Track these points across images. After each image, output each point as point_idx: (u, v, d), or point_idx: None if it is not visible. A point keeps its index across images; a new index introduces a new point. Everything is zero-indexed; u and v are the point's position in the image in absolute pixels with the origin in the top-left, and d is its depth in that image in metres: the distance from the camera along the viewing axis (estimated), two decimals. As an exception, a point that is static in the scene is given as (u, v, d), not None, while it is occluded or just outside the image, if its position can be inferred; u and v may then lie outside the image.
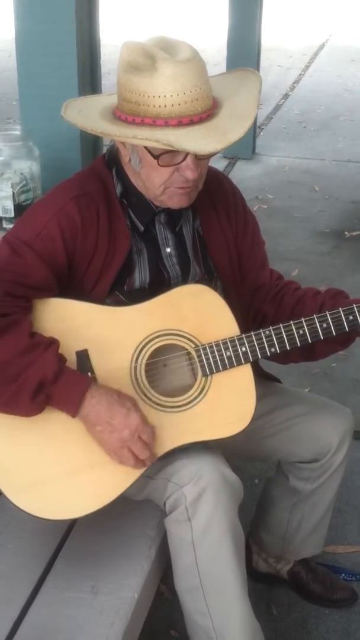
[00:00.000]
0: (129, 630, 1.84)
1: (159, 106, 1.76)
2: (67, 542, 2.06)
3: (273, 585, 2.60)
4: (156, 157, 1.84)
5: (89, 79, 2.95)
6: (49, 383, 1.78)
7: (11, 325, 1.80)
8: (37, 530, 2.05)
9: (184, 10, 16.65)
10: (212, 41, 12.28)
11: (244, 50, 6.65)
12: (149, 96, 1.76)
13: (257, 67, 6.89)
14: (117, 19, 12.50)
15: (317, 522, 2.41)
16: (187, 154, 1.82)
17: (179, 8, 16.81)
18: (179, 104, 1.76)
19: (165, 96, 1.75)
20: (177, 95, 1.75)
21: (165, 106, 1.76)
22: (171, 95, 1.75)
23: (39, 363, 1.78)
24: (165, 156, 1.83)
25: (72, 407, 1.81)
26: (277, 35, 12.73)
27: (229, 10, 6.76)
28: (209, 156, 1.87)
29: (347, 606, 2.56)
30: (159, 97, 1.75)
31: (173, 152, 1.81)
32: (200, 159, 1.86)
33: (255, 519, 2.57)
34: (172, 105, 1.76)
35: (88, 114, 1.91)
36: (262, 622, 2.05)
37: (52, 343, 1.83)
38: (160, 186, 1.90)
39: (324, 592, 2.56)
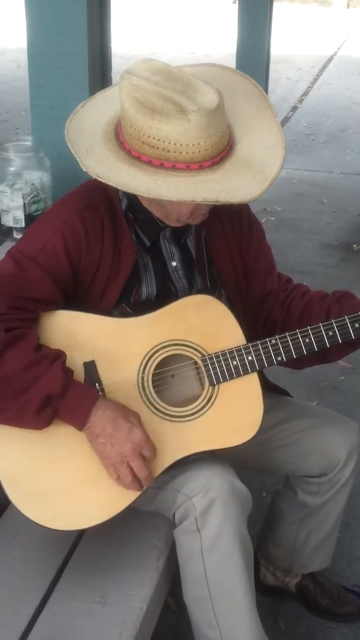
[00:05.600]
0: (137, 641, 1.84)
1: (193, 152, 1.74)
2: (76, 552, 2.06)
3: (281, 598, 2.59)
4: None
5: (100, 90, 2.96)
6: (56, 398, 1.79)
7: (17, 339, 1.81)
8: (46, 540, 2.05)
9: (191, 19, 16.74)
10: (219, 50, 12.37)
11: (253, 62, 6.68)
12: (182, 144, 1.72)
13: (266, 79, 6.93)
14: (127, 29, 12.56)
15: (325, 535, 2.40)
16: None
17: (186, 17, 16.90)
18: (211, 147, 1.75)
19: (199, 143, 1.73)
20: (210, 139, 1.74)
21: (199, 152, 1.74)
22: (205, 141, 1.73)
23: (45, 378, 1.78)
24: None
25: (80, 421, 1.82)
26: (285, 48, 12.77)
27: (238, 21, 6.79)
28: None
29: (354, 620, 2.55)
30: (194, 145, 1.73)
31: None
32: None
33: (263, 532, 2.56)
34: (206, 149, 1.74)
35: (104, 160, 1.81)
36: (270, 635, 2.04)
37: (59, 356, 1.83)
38: (187, 213, 1.91)
39: (332, 606, 2.55)
